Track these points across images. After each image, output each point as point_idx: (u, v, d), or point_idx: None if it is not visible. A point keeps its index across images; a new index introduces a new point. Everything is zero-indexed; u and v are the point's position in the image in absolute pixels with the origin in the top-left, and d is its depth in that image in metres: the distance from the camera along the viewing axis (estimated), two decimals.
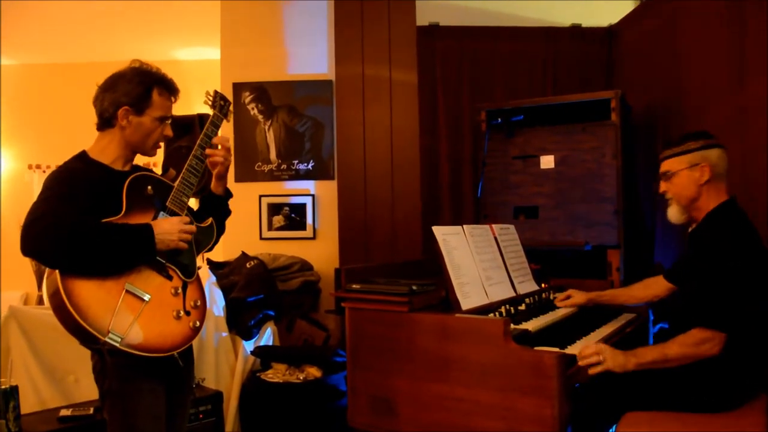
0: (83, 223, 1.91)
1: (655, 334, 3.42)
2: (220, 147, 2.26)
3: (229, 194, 2.38)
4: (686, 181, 2.46)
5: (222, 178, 2.32)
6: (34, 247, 1.86)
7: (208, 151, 2.23)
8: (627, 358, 2.27)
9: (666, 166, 2.53)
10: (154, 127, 2.15)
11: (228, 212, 2.39)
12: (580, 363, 2.27)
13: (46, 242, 1.84)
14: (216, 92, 2.34)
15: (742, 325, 2.28)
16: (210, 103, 2.32)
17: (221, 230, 2.36)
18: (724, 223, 2.40)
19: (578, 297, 3.09)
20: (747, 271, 2.28)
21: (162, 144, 2.27)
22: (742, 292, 2.27)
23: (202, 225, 2.26)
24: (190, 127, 3.72)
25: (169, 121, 2.22)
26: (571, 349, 2.40)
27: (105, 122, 2.13)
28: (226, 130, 4.48)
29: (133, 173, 2.13)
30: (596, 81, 4.75)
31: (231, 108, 2.38)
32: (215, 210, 2.33)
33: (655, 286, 2.89)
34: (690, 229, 2.58)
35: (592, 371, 2.25)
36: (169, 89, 2.19)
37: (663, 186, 2.56)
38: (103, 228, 1.95)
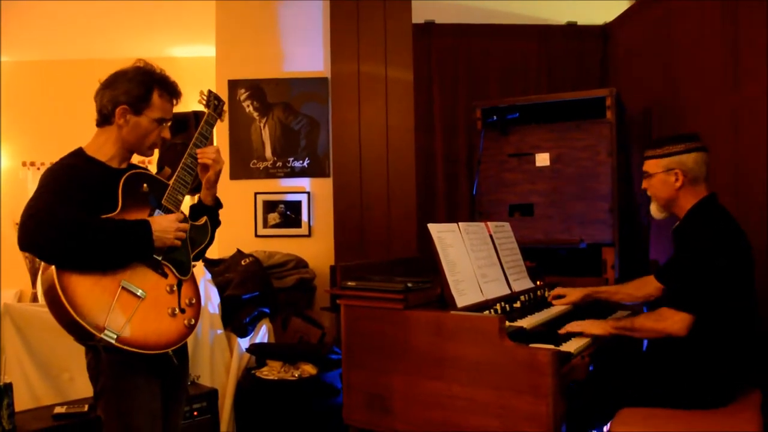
0: (81, 218, 1.91)
1: None
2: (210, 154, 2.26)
3: (219, 204, 2.37)
4: (661, 184, 2.58)
5: (212, 186, 2.30)
6: (31, 242, 1.85)
7: (198, 151, 2.23)
8: (605, 323, 2.59)
9: (645, 166, 2.65)
10: (152, 128, 2.14)
11: (217, 223, 2.38)
12: (561, 332, 2.59)
13: (43, 237, 1.83)
14: (210, 92, 2.34)
15: (710, 309, 2.34)
16: (204, 102, 2.33)
17: (210, 240, 2.34)
18: (703, 217, 2.49)
19: (574, 294, 3.09)
20: (724, 261, 2.34)
21: (159, 144, 2.26)
22: (714, 279, 2.33)
23: (196, 223, 2.26)
24: (185, 124, 3.71)
25: (168, 124, 2.21)
26: (565, 347, 2.41)
27: (103, 119, 2.12)
28: (221, 128, 4.47)
29: (129, 171, 2.13)
30: (591, 79, 4.76)
31: (225, 108, 2.39)
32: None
33: (648, 286, 2.91)
34: (673, 227, 2.64)
35: (574, 330, 2.60)
36: (170, 91, 2.18)
37: (644, 183, 2.67)
38: (101, 223, 1.95)
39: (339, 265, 2.82)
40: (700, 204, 2.52)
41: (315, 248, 4.51)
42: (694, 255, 2.40)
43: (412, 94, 4.18)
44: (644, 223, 4.16)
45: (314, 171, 4.62)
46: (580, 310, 3.05)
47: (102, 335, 1.83)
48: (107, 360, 1.97)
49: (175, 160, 2.23)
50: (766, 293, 2.62)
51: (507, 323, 2.40)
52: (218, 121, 2.35)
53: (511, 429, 2.16)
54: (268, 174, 4.61)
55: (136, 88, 2.09)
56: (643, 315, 2.54)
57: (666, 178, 2.55)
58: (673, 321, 2.35)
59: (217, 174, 2.29)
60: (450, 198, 4.75)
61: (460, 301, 2.56)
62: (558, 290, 3.16)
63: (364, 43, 4.15)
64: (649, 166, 2.62)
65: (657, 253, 3.96)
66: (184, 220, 2.15)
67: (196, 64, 6.06)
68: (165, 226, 2.05)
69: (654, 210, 2.70)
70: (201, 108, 2.37)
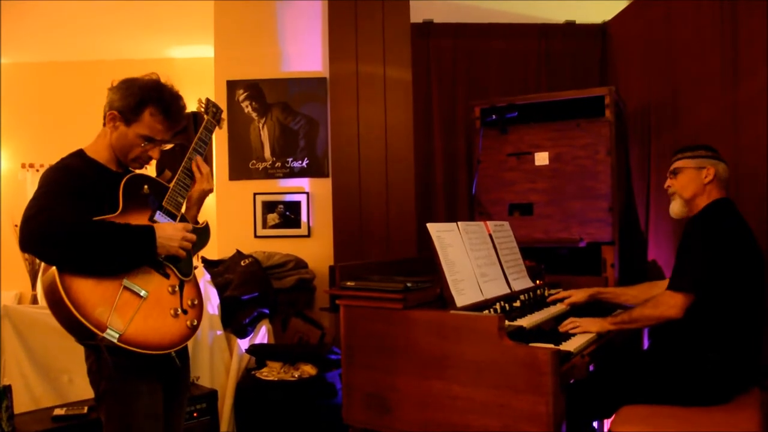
0: (82, 219, 1.90)
1: (649, 332, 3.43)
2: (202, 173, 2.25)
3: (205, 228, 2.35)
4: (691, 177, 2.69)
5: (193, 206, 2.28)
6: (32, 243, 1.84)
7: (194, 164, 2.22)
8: (602, 320, 2.63)
9: (677, 164, 2.75)
10: (136, 143, 2.11)
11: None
12: (560, 329, 2.65)
13: (45, 238, 1.82)
14: (208, 100, 2.37)
15: (710, 290, 2.37)
16: (203, 110, 2.35)
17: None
18: (717, 213, 2.57)
19: (578, 295, 3.08)
20: (727, 248, 2.40)
21: (148, 164, 2.24)
22: (714, 261, 2.39)
23: (198, 227, 2.26)
24: (184, 126, 3.70)
25: (160, 146, 2.17)
26: (565, 346, 2.41)
27: (104, 119, 2.13)
28: (220, 129, 4.47)
29: (130, 173, 2.13)
30: (590, 78, 4.76)
31: (224, 116, 2.42)
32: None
33: (654, 291, 2.89)
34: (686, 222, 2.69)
35: (573, 330, 2.61)
36: (166, 113, 2.11)
37: (669, 182, 2.77)
38: (103, 227, 1.94)
39: (338, 266, 2.82)
40: (716, 202, 2.61)
41: (314, 248, 4.51)
42: (700, 243, 2.46)
43: (410, 93, 4.18)
44: (643, 222, 4.16)
45: (313, 171, 4.61)
46: (581, 309, 3.05)
47: (104, 334, 1.82)
48: (109, 363, 1.96)
49: (174, 163, 2.24)
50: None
51: (507, 322, 2.40)
52: (216, 128, 2.37)
53: (510, 428, 2.16)
54: (267, 174, 4.61)
55: (130, 98, 2.07)
56: (640, 305, 2.59)
57: (697, 174, 2.67)
58: (669, 305, 2.42)
59: (201, 195, 2.28)
60: (449, 197, 4.75)
61: (460, 301, 2.56)
62: (562, 293, 3.15)
63: (362, 43, 4.15)
64: (681, 163, 2.73)
65: (656, 252, 3.97)
66: (192, 231, 2.14)
67: (195, 64, 6.06)
68: (170, 233, 2.04)
69: (676, 207, 2.77)
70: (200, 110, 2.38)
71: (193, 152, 2.23)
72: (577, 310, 3.05)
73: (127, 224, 1.98)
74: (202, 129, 2.29)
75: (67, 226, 1.85)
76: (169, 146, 2.24)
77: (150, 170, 2.34)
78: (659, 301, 2.47)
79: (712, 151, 2.72)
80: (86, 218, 1.93)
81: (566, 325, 2.67)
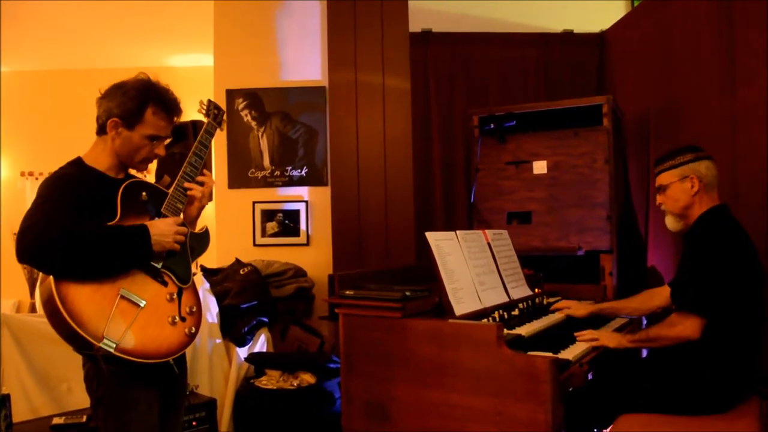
0: (78, 226, 1.90)
1: None
2: (202, 184, 2.24)
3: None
4: (678, 192, 2.62)
5: (192, 222, 2.28)
6: (29, 254, 1.84)
7: (186, 185, 2.21)
8: (621, 336, 2.61)
9: (660, 180, 2.69)
10: (143, 145, 2.12)
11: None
12: (579, 339, 2.63)
13: (42, 248, 1.83)
14: (210, 101, 2.35)
15: (720, 311, 2.34)
16: (204, 111, 2.33)
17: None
18: (714, 223, 2.52)
19: (578, 310, 3.06)
20: (730, 262, 2.36)
21: (154, 161, 2.25)
22: (721, 280, 2.35)
23: (196, 232, 2.27)
24: (183, 133, 3.71)
25: (164, 142, 2.18)
26: (564, 354, 2.41)
27: (100, 129, 2.13)
28: (219, 138, 4.48)
29: (128, 179, 2.14)
30: (588, 86, 4.78)
31: (225, 117, 2.39)
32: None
33: (654, 299, 2.89)
34: (684, 234, 2.66)
35: (590, 344, 2.57)
36: (167, 109, 2.13)
37: (659, 199, 2.71)
38: (99, 230, 1.94)
39: (337, 274, 2.82)
40: (711, 211, 2.56)
41: (313, 257, 4.51)
42: (702, 258, 2.43)
43: (409, 102, 4.19)
44: (641, 230, 4.17)
45: (312, 180, 4.62)
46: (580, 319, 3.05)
47: (101, 344, 1.82)
48: (105, 370, 1.96)
49: (174, 169, 2.24)
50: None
51: (505, 331, 2.40)
52: (218, 130, 2.36)
53: None
54: (267, 183, 4.62)
55: (130, 103, 2.07)
56: (656, 325, 2.53)
57: (682, 186, 2.60)
58: (685, 326, 2.37)
59: (200, 210, 2.28)
60: (448, 206, 4.76)
61: (459, 309, 2.56)
62: (563, 303, 3.15)
63: (361, 52, 4.16)
64: (663, 178, 2.67)
65: (655, 260, 3.97)
66: (183, 225, 2.15)
67: (195, 73, 6.08)
68: (163, 229, 2.05)
69: (670, 222, 2.72)
70: (199, 117, 2.37)
71: (192, 156, 2.23)
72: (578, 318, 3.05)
73: (120, 226, 1.99)
74: (202, 132, 2.28)
75: (63, 232, 1.85)
76: (169, 140, 2.24)
77: (149, 176, 2.35)
78: (673, 321, 2.43)
79: (691, 153, 2.63)
80: (83, 224, 1.93)
81: (584, 335, 2.66)
